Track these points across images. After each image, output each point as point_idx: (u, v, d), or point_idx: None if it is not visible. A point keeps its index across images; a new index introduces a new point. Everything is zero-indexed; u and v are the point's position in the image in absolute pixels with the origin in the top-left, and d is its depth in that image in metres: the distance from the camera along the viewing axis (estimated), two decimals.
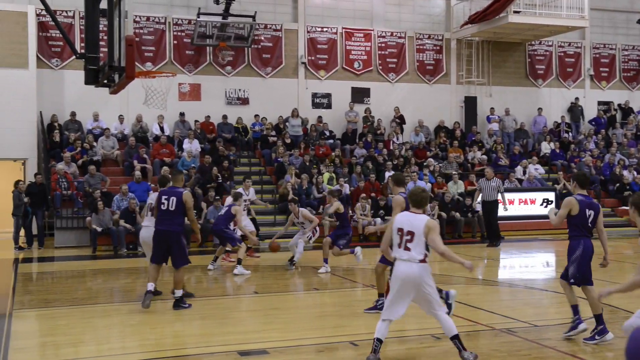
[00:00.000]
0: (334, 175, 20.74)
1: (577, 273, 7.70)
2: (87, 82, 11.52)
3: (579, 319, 7.79)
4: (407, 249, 6.47)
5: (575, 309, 7.82)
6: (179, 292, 9.74)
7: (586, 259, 7.78)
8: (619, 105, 27.27)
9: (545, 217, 20.92)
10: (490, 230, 17.83)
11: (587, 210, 7.70)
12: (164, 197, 9.77)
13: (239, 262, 12.92)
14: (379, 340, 6.63)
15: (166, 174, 11.21)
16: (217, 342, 7.92)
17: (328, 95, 24.14)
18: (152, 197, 10.66)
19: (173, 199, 9.71)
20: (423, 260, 6.47)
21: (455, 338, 6.56)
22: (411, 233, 6.47)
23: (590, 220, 7.71)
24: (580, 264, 7.73)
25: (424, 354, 7.34)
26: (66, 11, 21.26)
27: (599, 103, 27.30)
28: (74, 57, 14.65)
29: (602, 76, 27.48)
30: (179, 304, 9.66)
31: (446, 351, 7.27)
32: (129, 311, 9.77)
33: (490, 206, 17.66)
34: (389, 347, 7.74)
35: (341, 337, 7.95)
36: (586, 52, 27.16)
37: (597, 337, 7.61)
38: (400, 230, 6.55)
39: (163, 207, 9.74)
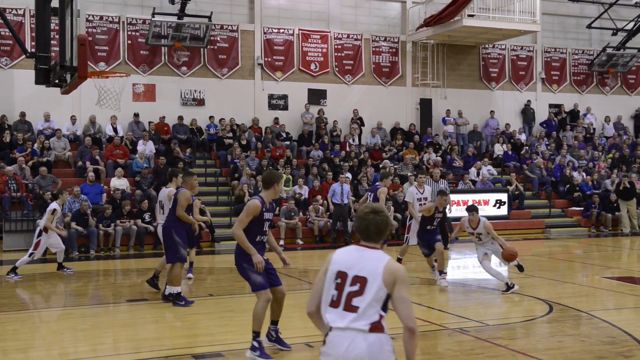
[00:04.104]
0: (290, 177, 20.74)
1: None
2: (37, 82, 11.29)
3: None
4: (350, 308, 3.87)
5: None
6: (171, 289, 9.69)
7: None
8: (571, 110, 27.90)
9: (500, 217, 21.43)
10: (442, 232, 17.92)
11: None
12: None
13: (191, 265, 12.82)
14: None
15: (176, 170, 11.13)
16: (171, 345, 7.85)
17: (284, 97, 24.12)
18: (162, 195, 11.09)
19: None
20: (377, 327, 3.86)
21: None
22: (360, 281, 3.89)
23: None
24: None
25: None
26: (16, 9, 20.79)
27: (550, 106, 27.90)
28: (24, 56, 14.30)
29: (553, 79, 28.09)
30: (174, 301, 9.60)
31: (399, 350, 7.32)
32: (80, 315, 9.60)
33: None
34: None
35: (297, 339, 7.94)
36: (538, 56, 27.72)
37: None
38: (339, 275, 3.95)
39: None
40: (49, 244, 13.35)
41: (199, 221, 13.52)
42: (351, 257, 3.97)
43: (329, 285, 3.96)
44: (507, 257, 11.05)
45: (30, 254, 13.13)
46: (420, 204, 13.13)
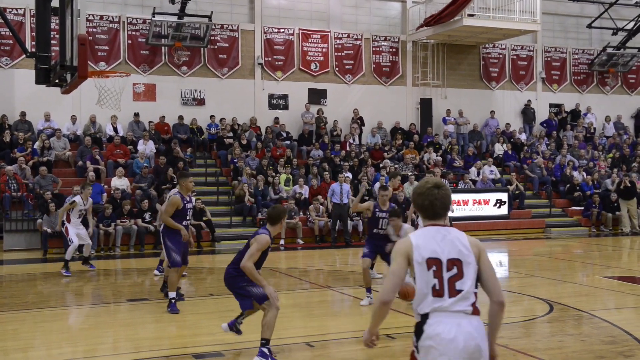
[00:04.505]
0: (290, 176, 20.74)
1: None
2: (38, 82, 11.27)
3: None
4: (454, 293, 3.71)
5: None
6: (169, 293, 9.57)
7: None
8: (572, 110, 27.89)
9: (500, 217, 21.46)
10: None
11: None
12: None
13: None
14: None
15: (184, 173, 11.01)
16: (171, 344, 7.85)
17: (285, 97, 24.11)
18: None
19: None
20: (476, 308, 3.76)
21: None
22: (455, 263, 3.74)
23: None
24: None
25: (379, 353, 7.38)
26: (16, 9, 20.78)
27: (551, 105, 27.89)
28: (24, 55, 14.30)
29: (553, 79, 28.08)
30: (169, 305, 9.51)
31: (402, 350, 7.33)
32: (80, 315, 9.60)
33: None
34: (344, 347, 7.78)
35: (297, 339, 7.95)
36: (538, 56, 27.71)
37: None
38: (432, 262, 3.73)
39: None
40: (77, 235, 13.32)
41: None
42: (435, 241, 3.73)
43: (422, 274, 3.69)
44: (402, 293, 8.28)
45: (70, 241, 13.23)
46: None
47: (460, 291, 3.66)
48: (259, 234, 7.03)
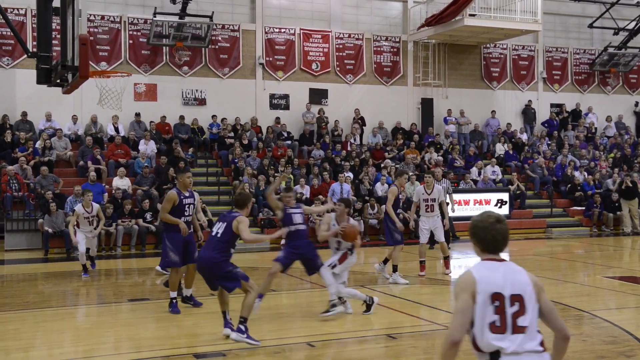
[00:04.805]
0: (291, 176, 20.73)
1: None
2: (39, 82, 11.28)
3: None
4: (518, 329, 3.62)
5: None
6: (170, 293, 9.56)
7: None
8: (573, 110, 27.87)
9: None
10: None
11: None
12: None
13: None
14: None
15: (182, 168, 10.94)
16: (172, 344, 7.84)
17: (286, 97, 24.11)
18: None
19: None
20: (544, 345, 3.70)
21: None
22: (517, 299, 3.65)
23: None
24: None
25: (380, 353, 7.38)
26: (17, 9, 20.79)
27: (552, 105, 27.87)
28: (25, 55, 14.32)
29: (554, 79, 28.06)
30: (170, 305, 9.50)
31: (403, 350, 7.33)
32: (82, 315, 9.61)
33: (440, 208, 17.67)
34: (347, 347, 7.78)
35: (297, 339, 7.95)
36: (539, 56, 27.69)
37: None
38: (496, 297, 3.64)
39: None
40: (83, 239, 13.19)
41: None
42: (498, 275, 3.65)
43: (483, 309, 3.58)
44: (349, 234, 8.89)
45: (76, 245, 13.41)
46: (427, 205, 12.86)
47: (523, 327, 3.59)
48: (234, 217, 7.62)
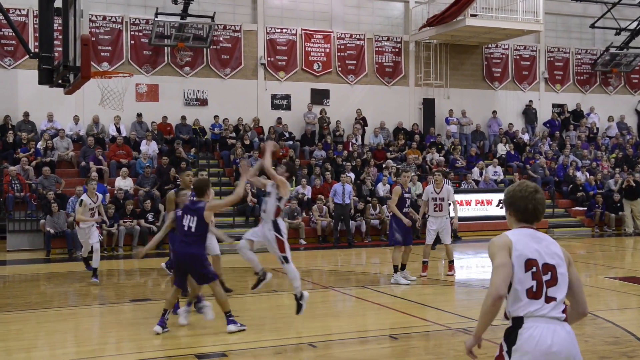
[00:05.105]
0: (293, 177, 20.71)
1: None
2: (41, 82, 11.27)
3: None
4: (549, 299, 3.68)
5: None
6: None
7: None
8: (574, 110, 27.86)
9: (503, 217, 21.43)
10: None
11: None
12: None
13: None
14: None
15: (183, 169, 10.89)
16: (174, 345, 7.84)
17: (287, 97, 24.12)
18: None
19: None
20: (566, 315, 3.76)
21: None
22: (550, 269, 3.72)
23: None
24: None
25: (381, 354, 7.38)
26: (19, 9, 20.82)
27: (553, 105, 27.86)
28: (27, 56, 14.35)
29: (556, 79, 28.05)
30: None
31: (405, 350, 7.33)
32: (84, 315, 9.61)
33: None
34: (347, 347, 7.78)
35: (299, 339, 7.95)
36: (541, 56, 27.68)
37: None
38: (531, 263, 3.70)
39: None
40: (84, 243, 12.80)
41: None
42: (533, 243, 3.73)
43: (520, 273, 3.66)
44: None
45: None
46: (435, 205, 12.78)
47: (553, 298, 3.66)
48: (201, 208, 7.85)
